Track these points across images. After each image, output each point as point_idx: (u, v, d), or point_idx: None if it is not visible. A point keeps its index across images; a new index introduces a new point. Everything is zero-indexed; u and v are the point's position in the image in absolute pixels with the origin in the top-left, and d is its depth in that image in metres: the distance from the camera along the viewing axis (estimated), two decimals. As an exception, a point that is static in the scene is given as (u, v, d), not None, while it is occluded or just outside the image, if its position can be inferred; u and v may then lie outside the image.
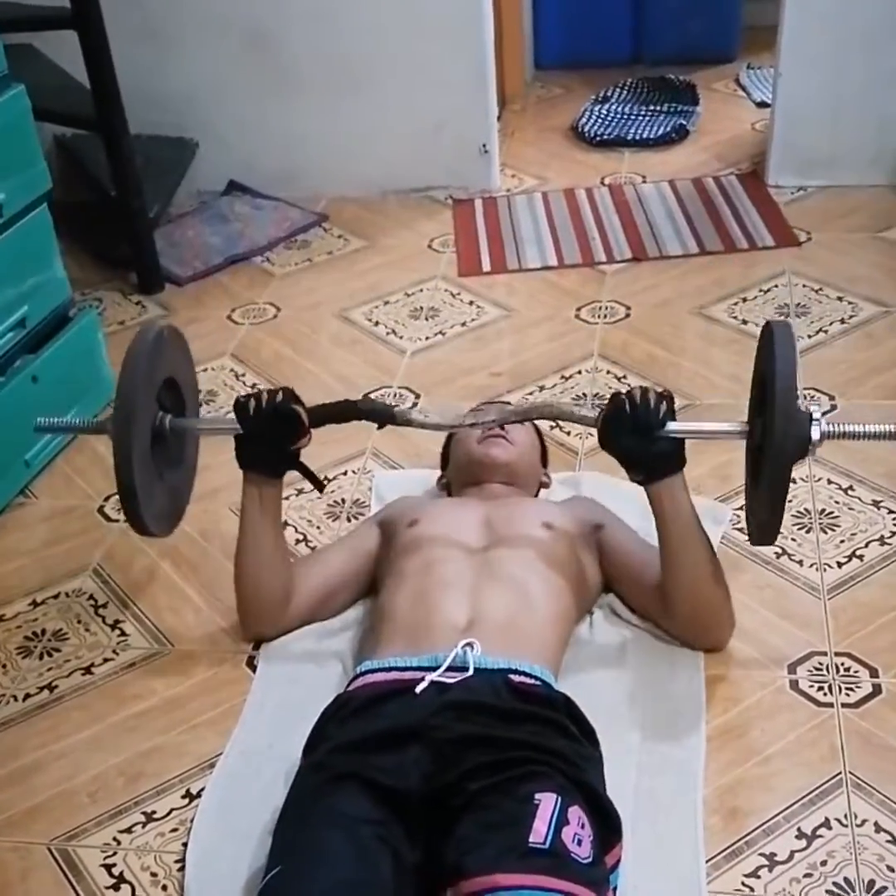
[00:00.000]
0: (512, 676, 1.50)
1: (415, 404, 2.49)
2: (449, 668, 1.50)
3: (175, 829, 1.58)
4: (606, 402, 1.66)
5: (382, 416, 1.75)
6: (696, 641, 1.76)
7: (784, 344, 1.55)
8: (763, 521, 1.61)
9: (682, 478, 1.66)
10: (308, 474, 1.79)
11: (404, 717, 1.45)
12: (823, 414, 1.57)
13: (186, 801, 1.62)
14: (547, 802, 1.31)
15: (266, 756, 1.65)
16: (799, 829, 1.51)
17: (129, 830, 1.59)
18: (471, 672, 1.49)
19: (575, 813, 1.31)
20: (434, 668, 1.50)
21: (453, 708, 1.45)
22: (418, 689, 1.47)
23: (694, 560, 1.68)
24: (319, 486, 1.84)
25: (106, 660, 1.88)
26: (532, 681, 1.51)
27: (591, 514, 1.88)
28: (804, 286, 2.80)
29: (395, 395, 2.53)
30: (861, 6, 3.04)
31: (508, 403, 2.13)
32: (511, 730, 1.42)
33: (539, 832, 1.27)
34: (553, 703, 1.49)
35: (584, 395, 2.46)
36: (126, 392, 1.64)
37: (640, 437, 1.62)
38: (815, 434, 1.54)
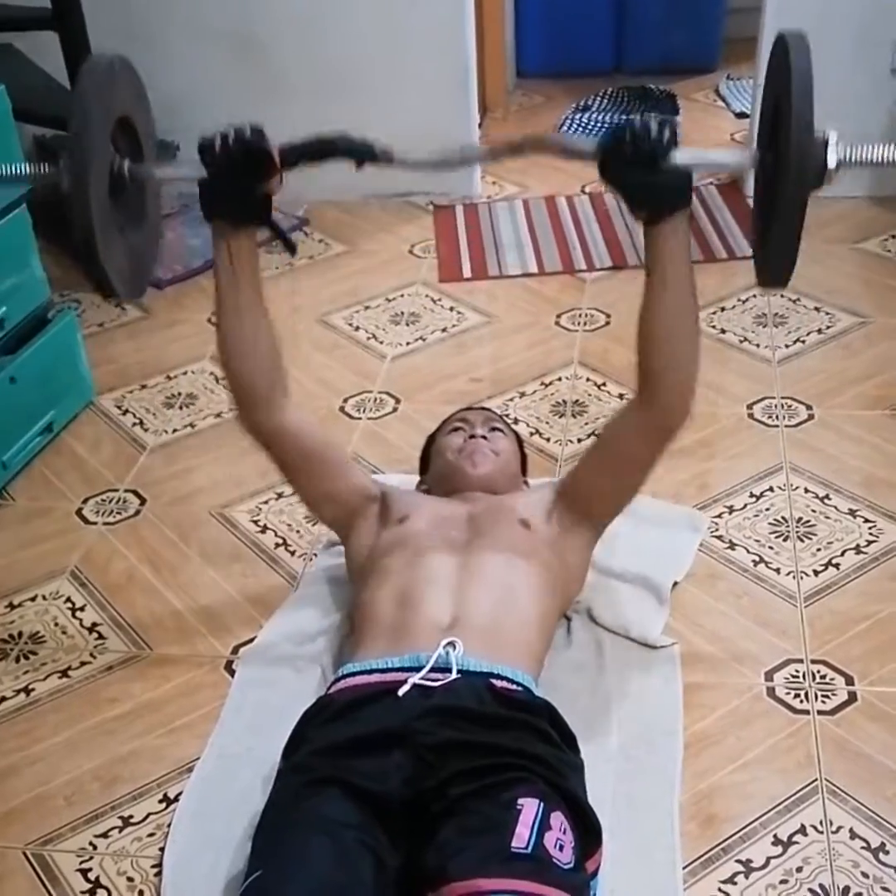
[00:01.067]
0: (494, 681, 1.50)
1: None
2: (432, 669, 1.49)
3: (152, 834, 1.58)
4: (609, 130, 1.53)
5: (361, 152, 1.62)
6: (666, 411, 1.66)
7: (800, 59, 1.42)
8: (777, 257, 1.50)
9: (687, 218, 1.54)
10: (278, 231, 1.65)
11: (387, 721, 1.44)
12: (839, 140, 1.43)
13: (164, 805, 1.62)
14: (529, 808, 1.31)
15: (244, 760, 1.64)
16: (775, 836, 1.52)
17: (105, 835, 1.58)
18: (454, 674, 1.49)
19: (557, 818, 1.32)
20: (416, 669, 1.50)
21: (436, 713, 1.44)
22: (401, 692, 1.47)
23: (682, 307, 1.59)
24: (291, 246, 1.70)
25: (83, 663, 1.87)
26: (514, 687, 1.51)
27: (550, 487, 1.86)
28: (782, 296, 2.82)
29: (375, 400, 2.53)
30: (840, 19, 3.07)
31: (491, 411, 2.13)
32: (493, 735, 1.42)
33: (521, 837, 1.27)
34: (535, 710, 1.50)
35: (565, 401, 2.47)
36: (79, 129, 1.45)
37: (644, 167, 1.48)
38: (832, 160, 1.41)
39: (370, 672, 1.54)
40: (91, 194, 1.44)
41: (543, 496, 1.82)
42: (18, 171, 1.57)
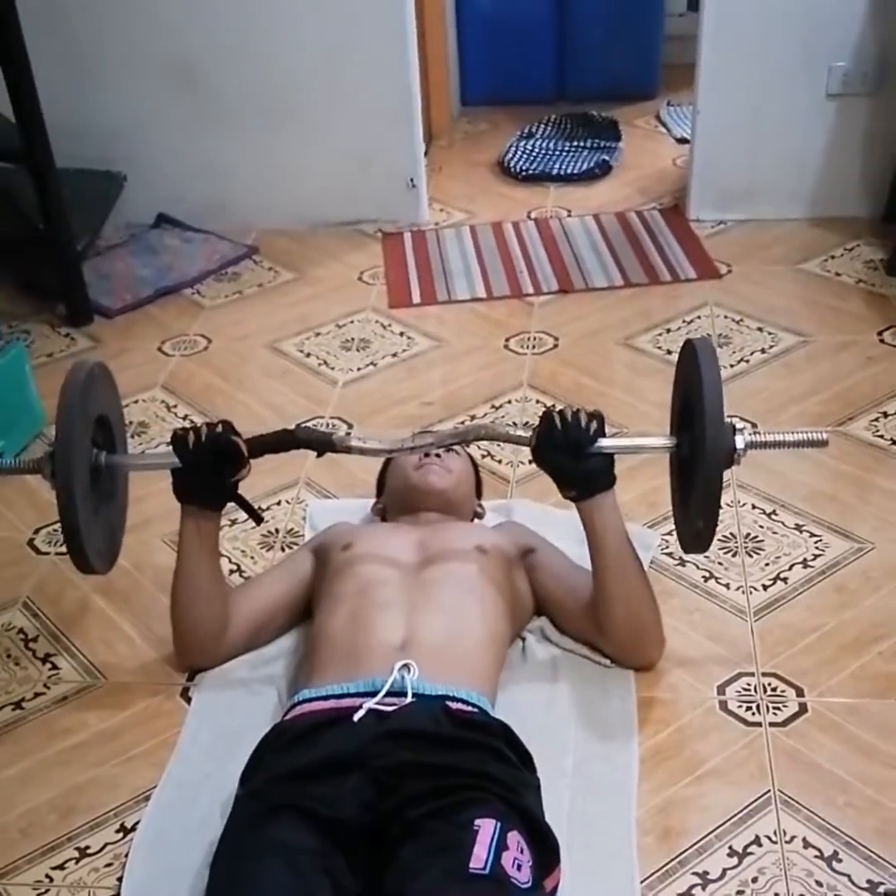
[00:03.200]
0: (449, 703, 1.51)
1: (348, 433, 2.50)
2: (387, 694, 1.50)
3: (109, 864, 1.56)
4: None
5: (321, 444, 1.76)
6: (629, 659, 1.79)
7: (708, 357, 1.62)
8: (698, 530, 1.65)
9: (613, 496, 1.70)
10: (246, 507, 1.80)
11: (343, 746, 1.45)
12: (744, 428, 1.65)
13: (121, 835, 1.60)
14: (486, 828, 1.32)
15: (202, 787, 1.63)
16: (730, 847, 1.53)
17: (62, 867, 1.57)
18: (409, 697, 1.50)
19: (514, 838, 1.33)
20: (371, 694, 1.51)
21: (392, 736, 1.45)
22: (356, 717, 1.47)
23: (625, 576, 1.71)
24: (257, 518, 1.84)
25: (37, 694, 1.85)
26: (469, 708, 1.52)
27: (523, 539, 1.91)
28: (726, 317, 2.88)
29: (327, 425, 2.54)
30: (775, 46, 3.14)
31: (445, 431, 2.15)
32: (449, 757, 1.43)
33: (479, 858, 1.28)
34: (490, 730, 1.51)
35: (515, 423, 2.49)
36: (66, 432, 1.62)
37: (571, 453, 1.66)
38: (740, 443, 1.61)
39: (326, 698, 1.54)
40: (76, 491, 1.61)
41: (501, 539, 1.88)
42: (8, 464, 1.77)
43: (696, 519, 1.63)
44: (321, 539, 1.94)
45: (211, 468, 1.70)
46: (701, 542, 1.68)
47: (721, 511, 2.11)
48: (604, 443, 1.69)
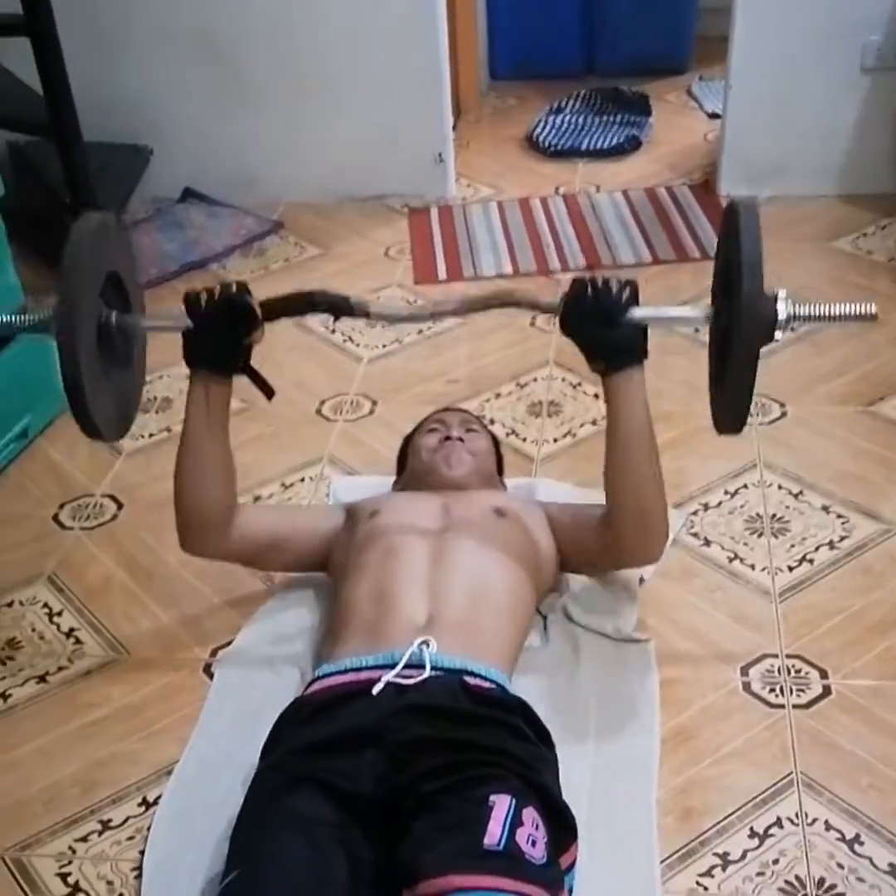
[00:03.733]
0: (467, 679, 1.51)
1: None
2: (406, 666, 1.50)
3: (131, 837, 1.58)
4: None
5: (337, 306, 1.67)
6: (633, 550, 1.74)
7: (750, 220, 1.51)
8: (732, 407, 1.58)
9: (642, 373, 1.63)
10: (257, 378, 1.72)
11: (361, 719, 1.45)
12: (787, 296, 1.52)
13: (143, 808, 1.62)
14: (501, 804, 1.32)
15: (224, 763, 1.64)
16: (751, 829, 1.53)
17: (84, 839, 1.58)
18: (427, 671, 1.50)
19: (529, 814, 1.32)
20: (390, 667, 1.51)
21: (409, 710, 1.45)
22: (375, 690, 1.48)
23: (641, 459, 1.65)
24: (269, 391, 1.75)
25: (60, 668, 1.87)
26: (487, 684, 1.52)
27: (536, 500, 1.92)
28: (755, 295, 2.84)
29: (351, 403, 2.54)
30: (809, 19, 3.10)
31: (468, 412, 2.14)
32: (466, 732, 1.43)
33: (493, 834, 1.28)
34: (508, 706, 1.51)
35: (540, 402, 2.48)
36: (69, 285, 1.52)
37: (602, 322, 1.58)
38: (782, 313, 1.51)
39: (344, 672, 1.55)
40: (79, 346, 1.51)
41: (520, 500, 1.86)
42: (9, 320, 1.65)
43: (730, 395, 1.55)
44: (354, 504, 1.91)
45: (223, 328, 1.64)
46: (735, 420, 1.59)
47: (747, 491, 2.15)
48: (637, 312, 1.59)
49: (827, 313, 1.56)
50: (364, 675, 1.52)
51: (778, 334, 1.51)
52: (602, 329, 1.59)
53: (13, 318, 1.64)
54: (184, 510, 1.76)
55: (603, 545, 1.76)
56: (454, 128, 3.63)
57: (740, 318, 1.48)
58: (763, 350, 2.75)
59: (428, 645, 1.54)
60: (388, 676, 1.49)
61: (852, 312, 1.56)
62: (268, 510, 1.86)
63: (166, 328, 1.75)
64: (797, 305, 1.53)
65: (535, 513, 1.85)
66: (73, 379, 1.52)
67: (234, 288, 1.64)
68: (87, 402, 1.55)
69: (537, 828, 1.32)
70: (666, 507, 1.72)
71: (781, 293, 1.52)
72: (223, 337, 1.65)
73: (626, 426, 1.64)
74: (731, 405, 1.58)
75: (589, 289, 1.58)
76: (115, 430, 1.71)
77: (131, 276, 1.75)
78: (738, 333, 1.49)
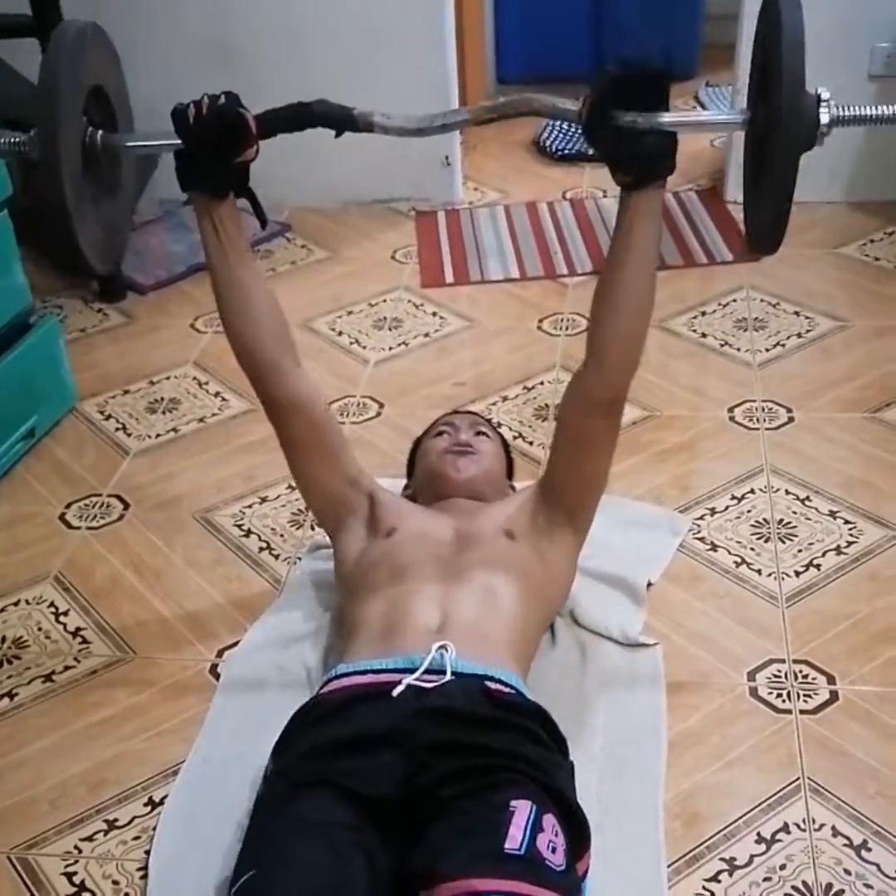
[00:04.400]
0: (488, 683, 1.50)
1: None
2: (425, 671, 1.49)
3: (137, 837, 1.58)
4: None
5: (340, 120, 1.58)
6: (611, 375, 1.66)
7: (791, 8, 1.39)
8: (767, 220, 1.48)
9: (664, 189, 1.53)
10: (253, 201, 1.63)
11: (379, 721, 1.44)
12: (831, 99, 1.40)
13: (149, 808, 1.62)
14: (522, 809, 1.31)
15: (230, 763, 1.64)
16: (758, 834, 1.53)
17: (90, 838, 1.58)
18: (448, 675, 1.48)
19: (549, 821, 1.32)
20: (410, 671, 1.49)
21: (429, 713, 1.44)
22: (395, 692, 1.46)
23: (640, 283, 1.58)
24: (263, 220, 1.66)
25: (67, 667, 1.87)
26: (507, 689, 1.51)
27: (533, 488, 1.84)
28: (762, 300, 2.85)
29: (358, 405, 2.54)
30: (816, 26, 3.05)
31: (478, 414, 2.14)
32: (486, 737, 1.42)
33: (515, 839, 1.27)
34: (527, 712, 1.50)
35: (547, 405, 2.48)
36: (47, 98, 1.42)
37: (629, 131, 1.45)
38: (824, 117, 1.38)
39: (364, 672, 1.53)
40: (63, 166, 1.42)
41: (526, 499, 1.81)
42: None
43: (766, 207, 1.46)
44: (379, 494, 1.84)
45: (215, 143, 1.53)
46: (770, 237, 1.49)
47: (754, 496, 2.15)
48: (666, 118, 1.43)
49: (871, 115, 1.43)
50: (384, 677, 1.50)
51: (822, 139, 1.39)
52: (630, 138, 1.44)
53: None
54: (235, 349, 1.70)
55: (586, 403, 1.69)
56: (461, 132, 3.63)
57: (780, 120, 1.36)
58: (770, 355, 2.77)
59: (447, 649, 1.52)
60: (411, 679, 1.47)
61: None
62: (328, 409, 1.82)
63: (156, 148, 1.67)
64: (841, 109, 1.40)
65: (539, 518, 1.77)
66: (58, 203, 1.43)
67: (223, 100, 1.55)
68: (73, 225, 1.46)
69: (557, 834, 1.31)
70: (645, 337, 1.65)
71: (824, 93, 1.40)
72: (215, 154, 1.55)
73: (642, 243, 1.54)
74: (767, 218, 1.48)
75: (613, 89, 1.44)
76: (104, 257, 1.62)
77: (118, 89, 1.64)
78: (778, 138, 1.37)
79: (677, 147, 1.47)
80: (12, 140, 1.49)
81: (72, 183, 1.45)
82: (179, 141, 1.54)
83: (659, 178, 1.51)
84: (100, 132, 1.56)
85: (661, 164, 1.48)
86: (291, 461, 1.82)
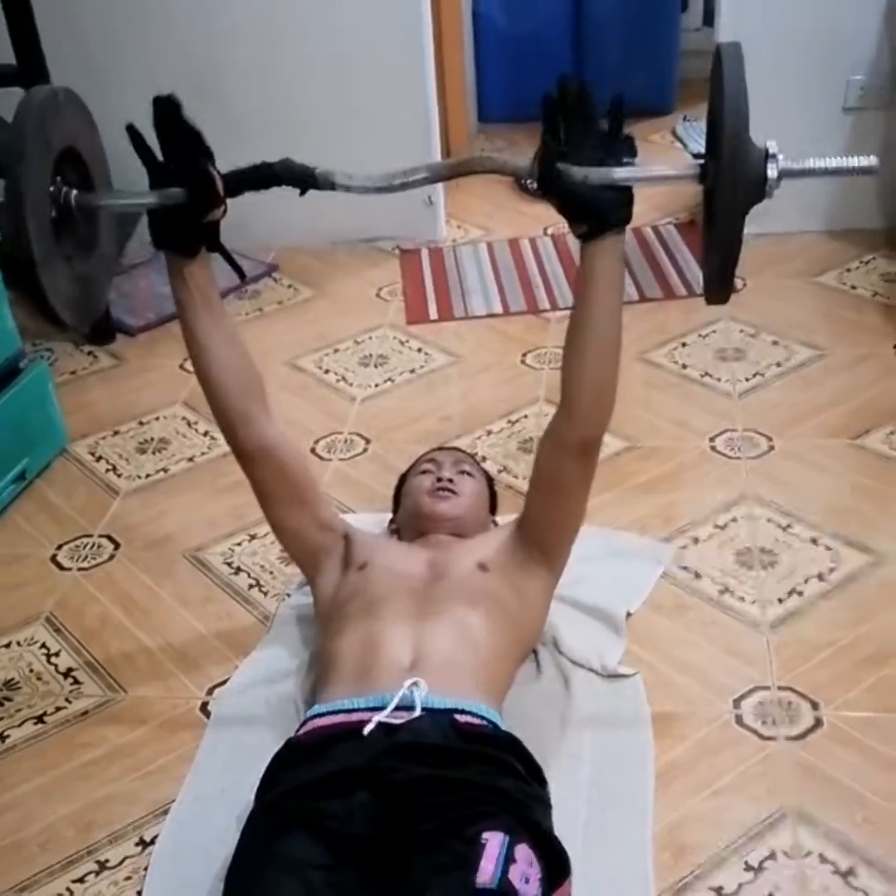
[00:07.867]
0: (458, 717, 1.51)
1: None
2: (396, 708, 1.50)
3: (129, 877, 1.58)
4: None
5: (303, 179, 1.61)
6: (585, 424, 1.68)
7: (731, 63, 1.39)
8: (716, 272, 1.51)
9: (623, 237, 1.54)
10: (226, 256, 1.69)
11: (351, 760, 1.45)
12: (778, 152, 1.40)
13: (140, 848, 1.62)
14: (494, 841, 1.31)
15: (220, 801, 1.65)
16: (746, 862, 1.53)
17: (82, 880, 1.58)
18: (418, 711, 1.50)
19: (522, 851, 1.32)
20: (381, 708, 1.50)
21: (400, 750, 1.45)
22: (365, 730, 1.47)
23: (607, 330, 1.60)
24: (240, 272, 1.72)
25: (58, 708, 1.87)
26: (478, 721, 1.52)
27: (509, 527, 1.86)
28: (741, 331, 2.88)
29: (345, 442, 2.56)
30: (792, 60, 3.14)
31: (462, 451, 2.16)
32: (457, 770, 1.43)
33: (486, 872, 1.27)
34: (499, 743, 1.51)
35: (532, 438, 2.51)
36: (13, 159, 1.43)
37: (581, 185, 1.47)
38: (772, 172, 1.39)
39: (336, 713, 1.54)
40: (28, 224, 1.44)
41: (507, 534, 1.84)
42: None
43: (714, 258, 1.47)
44: (353, 533, 1.87)
45: (183, 205, 1.57)
46: (719, 285, 1.51)
47: (736, 524, 2.17)
48: (619, 173, 1.45)
49: (824, 168, 1.44)
50: (355, 716, 1.51)
51: (771, 192, 1.39)
52: (582, 193, 1.46)
53: None
54: (208, 397, 1.74)
55: (559, 447, 1.70)
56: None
57: (723, 177, 1.36)
58: (752, 382, 2.79)
59: (417, 686, 1.53)
60: (380, 717, 1.49)
61: (852, 167, 1.45)
62: (300, 456, 1.85)
63: (128, 208, 1.69)
64: (789, 162, 1.41)
65: (516, 554, 1.79)
66: (28, 262, 1.45)
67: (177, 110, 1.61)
68: (44, 288, 1.48)
69: (531, 864, 1.31)
70: (617, 379, 1.65)
71: (772, 146, 1.39)
72: (184, 217, 1.59)
73: (603, 292, 1.57)
74: (715, 268, 1.49)
75: (550, 129, 1.45)
76: (79, 313, 1.65)
77: (94, 154, 1.67)
78: (722, 190, 1.37)
79: (633, 198, 1.49)
80: None
81: (40, 241, 1.48)
82: (152, 201, 1.58)
83: (611, 229, 1.52)
84: (74, 192, 1.58)
85: (616, 216, 1.50)
86: (266, 511, 1.86)
